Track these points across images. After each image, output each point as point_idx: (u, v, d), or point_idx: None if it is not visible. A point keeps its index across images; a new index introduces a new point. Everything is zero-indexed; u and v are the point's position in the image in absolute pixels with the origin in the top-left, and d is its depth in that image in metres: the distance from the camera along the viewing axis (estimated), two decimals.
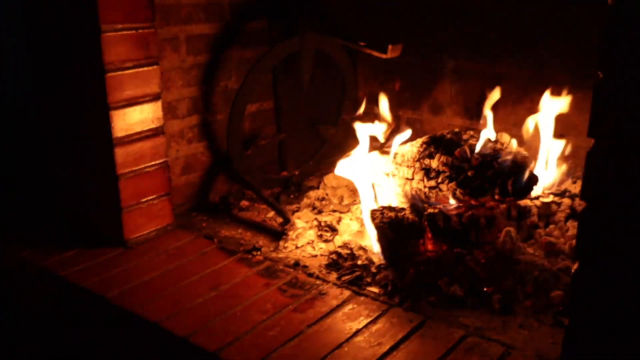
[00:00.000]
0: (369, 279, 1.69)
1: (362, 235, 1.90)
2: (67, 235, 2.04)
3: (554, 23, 2.02)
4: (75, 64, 1.89)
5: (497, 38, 2.14)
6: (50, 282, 1.83)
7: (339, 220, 2.00)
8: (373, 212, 1.79)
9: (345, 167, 1.96)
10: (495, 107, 2.08)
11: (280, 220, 2.07)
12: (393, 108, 2.45)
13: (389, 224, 1.73)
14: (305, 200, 2.19)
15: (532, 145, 1.95)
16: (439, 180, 1.80)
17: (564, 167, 2.01)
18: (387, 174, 1.92)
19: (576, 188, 1.94)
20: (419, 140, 1.94)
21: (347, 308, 1.58)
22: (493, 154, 1.83)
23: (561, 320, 1.44)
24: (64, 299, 1.83)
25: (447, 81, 2.32)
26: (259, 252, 1.89)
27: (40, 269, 1.86)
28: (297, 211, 2.13)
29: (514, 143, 1.91)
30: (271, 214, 2.14)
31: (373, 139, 2.03)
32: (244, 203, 2.26)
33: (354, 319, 1.53)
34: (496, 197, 1.79)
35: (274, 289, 1.69)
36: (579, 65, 1.96)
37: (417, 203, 1.82)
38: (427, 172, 1.83)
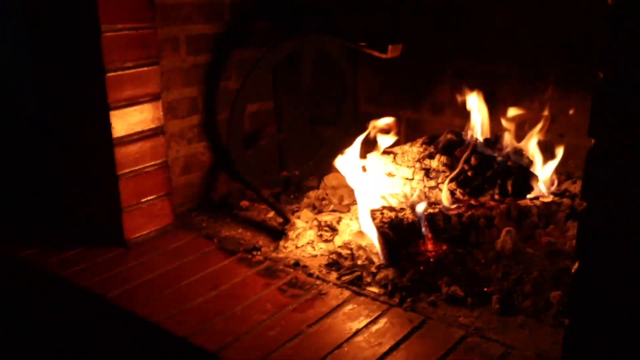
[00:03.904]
0: (369, 279, 1.69)
1: (362, 235, 1.90)
2: (67, 235, 2.04)
3: (554, 22, 2.02)
4: (76, 63, 1.89)
5: (497, 38, 2.14)
6: (50, 282, 1.83)
7: (339, 220, 2.00)
8: (373, 212, 1.79)
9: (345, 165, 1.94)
10: (495, 108, 2.08)
11: (280, 220, 2.07)
12: (393, 108, 2.46)
13: (389, 224, 1.73)
14: (305, 200, 2.19)
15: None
16: (439, 180, 1.81)
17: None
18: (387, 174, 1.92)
19: (576, 188, 1.94)
20: (419, 140, 1.94)
21: (347, 308, 1.58)
22: (493, 154, 1.83)
23: (561, 320, 1.43)
24: (64, 299, 1.83)
25: (447, 81, 2.32)
26: (259, 252, 1.89)
27: (40, 269, 1.86)
28: (297, 211, 2.13)
29: (514, 143, 1.92)
30: (271, 214, 2.14)
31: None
32: (244, 203, 2.26)
33: (354, 319, 1.53)
34: (496, 197, 1.79)
35: (274, 289, 1.68)
36: (578, 65, 1.96)
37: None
38: (427, 172, 1.83)
